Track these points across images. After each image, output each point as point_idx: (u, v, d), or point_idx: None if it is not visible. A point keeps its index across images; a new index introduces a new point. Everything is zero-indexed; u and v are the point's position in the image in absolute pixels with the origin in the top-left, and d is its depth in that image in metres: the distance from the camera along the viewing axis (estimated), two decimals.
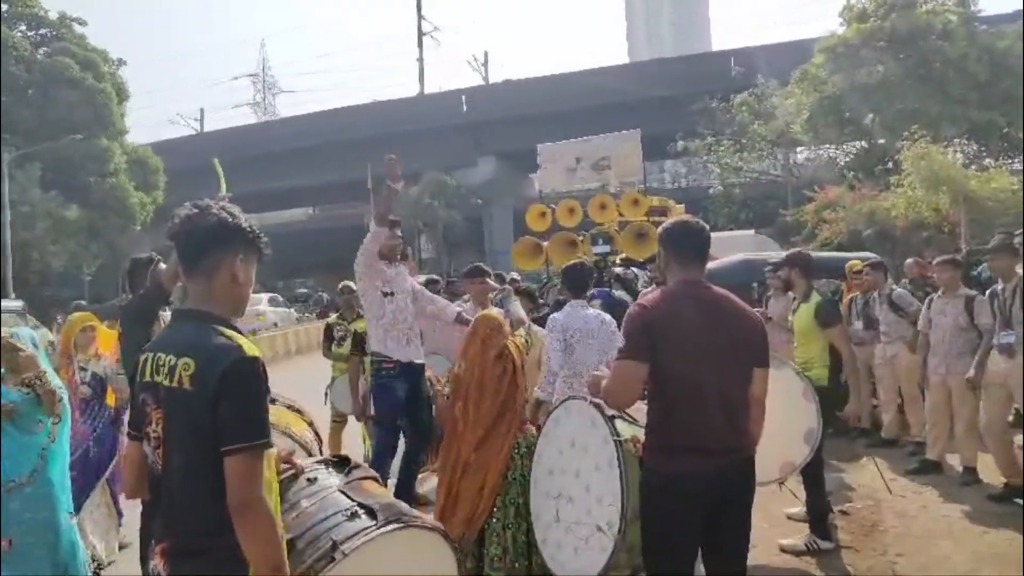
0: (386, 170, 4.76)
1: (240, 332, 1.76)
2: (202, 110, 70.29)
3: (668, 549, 2.51)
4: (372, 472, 2.65)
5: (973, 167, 16.48)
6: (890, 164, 19.52)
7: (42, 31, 33.45)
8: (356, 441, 5.85)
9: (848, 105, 21.43)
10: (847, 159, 24.15)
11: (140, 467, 1.83)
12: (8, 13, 32.53)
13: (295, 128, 44.82)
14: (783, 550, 4.20)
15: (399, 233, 4.99)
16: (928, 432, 5.65)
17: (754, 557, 4.10)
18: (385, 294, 4.59)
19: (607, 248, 8.94)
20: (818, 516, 4.25)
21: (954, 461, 5.50)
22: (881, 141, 21.55)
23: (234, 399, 1.61)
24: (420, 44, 47.51)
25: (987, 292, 5.03)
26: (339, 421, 5.99)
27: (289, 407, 3.23)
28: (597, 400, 2.94)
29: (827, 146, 24.70)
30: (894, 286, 6.51)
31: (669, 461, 2.47)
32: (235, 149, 43.59)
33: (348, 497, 2.32)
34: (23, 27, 33.01)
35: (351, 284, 6.64)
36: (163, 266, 3.57)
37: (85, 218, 27.51)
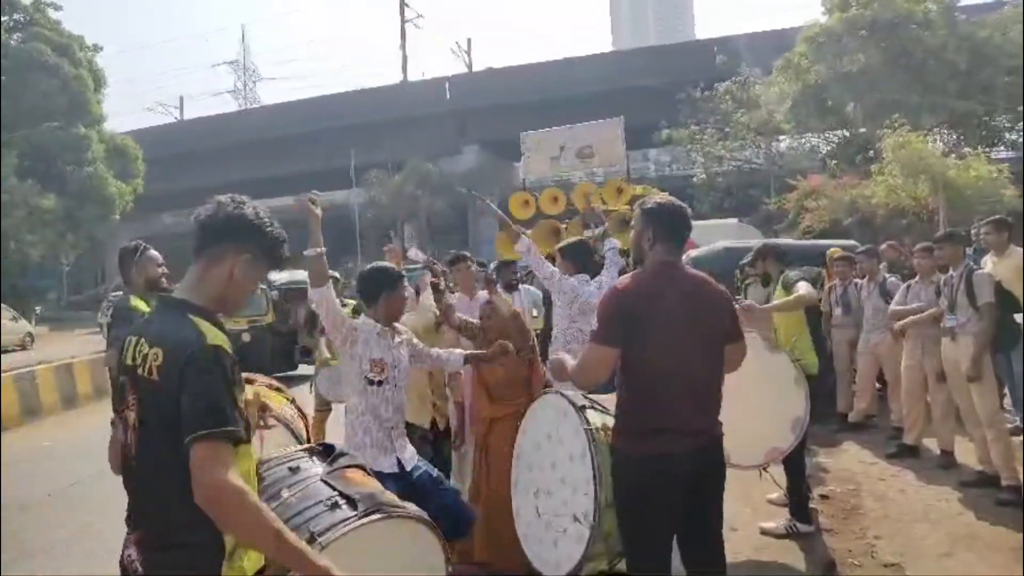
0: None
1: (219, 324, 1.72)
2: (181, 98, 69.04)
3: (645, 531, 2.52)
4: (358, 460, 2.61)
5: (952, 156, 16.63)
6: (871, 153, 19.68)
7: (15, 16, 32.71)
8: (341, 431, 5.83)
9: (830, 94, 21.55)
10: (829, 148, 24.32)
11: (124, 447, 1.80)
12: None
13: (276, 116, 44.32)
14: (764, 533, 4.26)
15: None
16: (904, 417, 5.74)
17: (736, 540, 4.16)
18: (372, 382, 3.09)
19: (599, 231, 8.94)
20: (798, 500, 4.32)
21: (932, 445, 5.59)
22: (862, 130, 21.71)
23: (193, 388, 1.58)
24: (403, 31, 47.05)
25: (940, 279, 5.12)
26: (323, 410, 5.98)
27: (269, 385, 3.22)
28: (566, 391, 2.95)
29: (809, 135, 24.85)
30: (886, 274, 6.57)
31: (642, 443, 2.47)
32: (215, 137, 43.15)
33: (330, 487, 2.29)
34: None
35: (334, 273, 6.67)
36: (152, 253, 3.59)
37: (63, 207, 27.10)
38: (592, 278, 4.52)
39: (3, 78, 29.70)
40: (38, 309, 23.38)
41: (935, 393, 5.38)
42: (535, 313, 6.40)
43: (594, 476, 2.83)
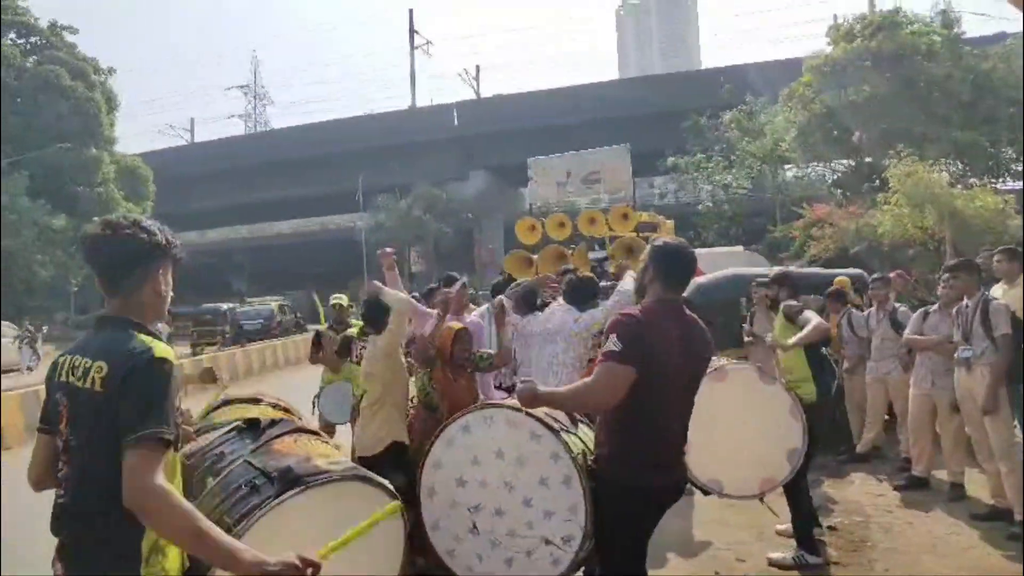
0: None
1: (158, 337, 1.79)
2: (192, 120, 70.17)
3: (633, 554, 2.67)
4: (292, 424, 2.53)
5: (959, 186, 16.68)
6: (877, 182, 19.74)
7: (32, 39, 33.33)
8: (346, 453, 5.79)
9: (836, 123, 21.70)
10: (835, 176, 24.41)
11: (49, 461, 1.84)
12: None
13: (286, 140, 44.82)
14: (771, 564, 4.20)
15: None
16: (912, 448, 5.67)
17: (743, 571, 4.11)
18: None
19: (603, 253, 9.00)
20: (804, 531, 4.26)
21: (942, 476, 5.52)
22: (868, 159, 21.82)
23: (133, 395, 1.64)
24: (412, 58, 47.73)
25: (954, 309, 5.08)
26: (327, 431, 5.95)
27: (274, 405, 3.20)
28: (536, 413, 2.93)
29: (815, 163, 24.97)
30: (896, 304, 6.51)
31: (644, 474, 2.57)
32: (225, 160, 43.59)
33: (252, 467, 2.20)
34: (13, 35, 32.90)
35: (342, 299, 6.72)
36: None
37: (73, 228, 27.29)
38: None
39: (18, 100, 30.17)
40: (45, 329, 23.38)
41: (945, 424, 5.32)
42: None
43: (584, 506, 2.83)
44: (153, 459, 1.59)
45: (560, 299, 4.69)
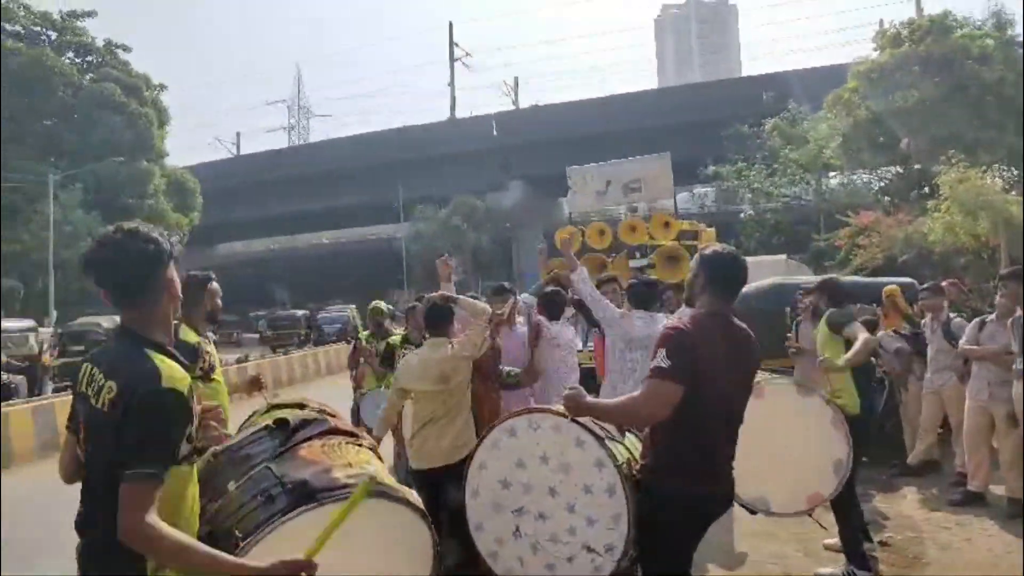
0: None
1: (175, 355, 1.80)
2: (238, 134, 72.04)
3: (677, 566, 2.65)
4: (325, 425, 2.48)
5: (1013, 192, 16.08)
6: (926, 189, 19.20)
7: (89, 58, 34.70)
8: (388, 460, 5.83)
9: (883, 129, 21.20)
10: (881, 184, 23.83)
11: (74, 458, 1.89)
12: (58, 41, 33.86)
13: (328, 151, 45.69)
14: None
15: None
16: (968, 462, 5.48)
17: None
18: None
19: (644, 261, 8.94)
20: (853, 547, 4.13)
21: (1000, 491, 5.32)
22: (917, 166, 21.24)
23: (135, 427, 1.66)
24: (452, 70, 48.26)
25: (1009, 320, 4.90)
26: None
27: (321, 411, 3.23)
28: (582, 419, 2.90)
29: (861, 171, 24.40)
30: (952, 314, 6.30)
31: (695, 484, 2.55)
32: (268, 172, 44.63)
33: (273, 474, 2.16)
34: (71, 54, 34.31)
35: (381, 305, 6.79)
36: (215, 286, 3.59)
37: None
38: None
39: (75, 116, 31.37)
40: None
41: (1003, 438, 5.12)
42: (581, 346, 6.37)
43: (628, 515, 2.82)
44: (143, 497, 1.63)
45: (626, 305, 4.73)
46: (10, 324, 15.54)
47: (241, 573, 1.66)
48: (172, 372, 1.73)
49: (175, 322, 3.33)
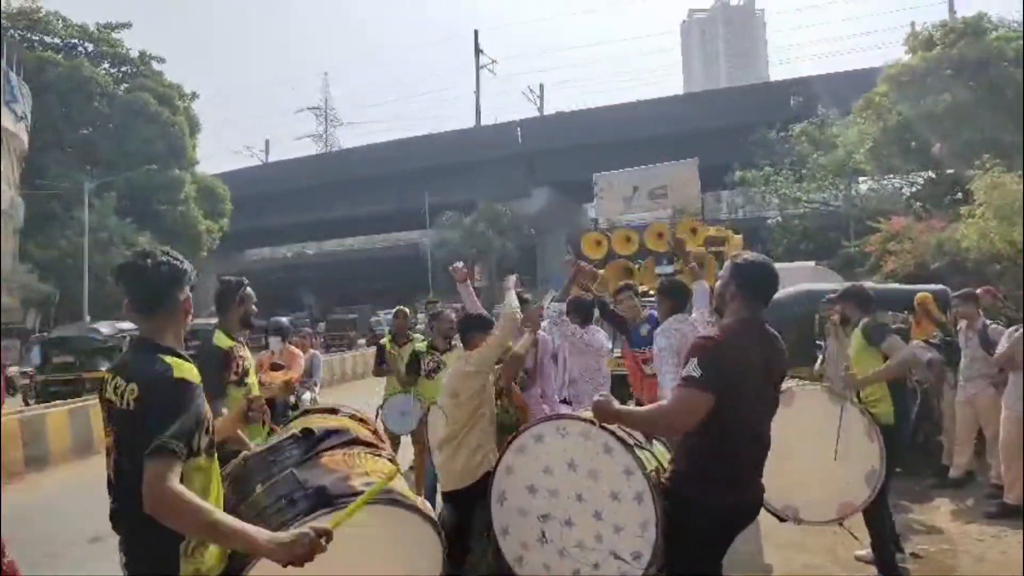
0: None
1: (185, 357, 1.99)
2: (267, 141, 73.23)
3: (709, 573, 2.64)
4: (348, 436, 2.53)
5: None
6: (959, 194, 18.82)
7: (123, 68, 35.54)
8: (407, 464, 5.84)
9: (914, 134, 20.84)
10: (912, 189, 23.41)
11: None
12: (93, 51, 34.74)
13: (355, 159, 46.18)
14: None
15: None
16: (1004, 473, 5.35)
17: None
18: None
19: (670, 268, 8.89)
20: (886, 557, 4.07)
21: None
22: (950, 171, 20.84)
23: (154, 413, 1.83)
24: (477, 77, 48.53)
25: None
26: (391, 442, 6.03)
27: (352, 416, 3.28)
28: (611, 426, 2.90)
29: (891, 176, 24.00)
30: (987, 321, 6.16)
31: (724, 494, 2.54)
32: (297, 179, 45.23)
33: (296, 479, 2.25)
34: (106, 64, 35.18)
35: (405, 309, 6.83)
36: (250, 291, 3.65)
37: (156, 244, 28.81)
38: (649, 322, 4.60)
39: (110, 125, 32.10)
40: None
41: None
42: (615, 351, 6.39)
43: (656, 522, 2.83)
44: (163, 468, 1.75)
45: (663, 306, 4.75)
46: None
47: (262, 541, 1.77)
48: (183, 367, 1.93)
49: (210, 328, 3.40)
